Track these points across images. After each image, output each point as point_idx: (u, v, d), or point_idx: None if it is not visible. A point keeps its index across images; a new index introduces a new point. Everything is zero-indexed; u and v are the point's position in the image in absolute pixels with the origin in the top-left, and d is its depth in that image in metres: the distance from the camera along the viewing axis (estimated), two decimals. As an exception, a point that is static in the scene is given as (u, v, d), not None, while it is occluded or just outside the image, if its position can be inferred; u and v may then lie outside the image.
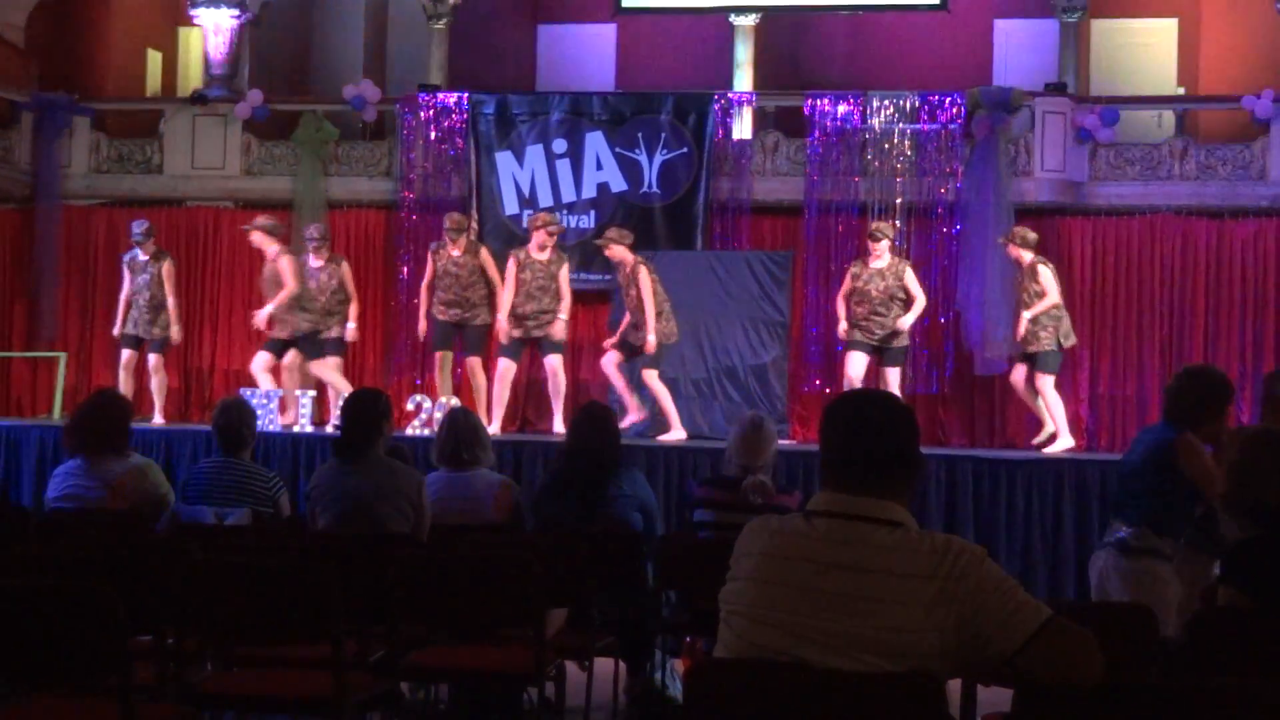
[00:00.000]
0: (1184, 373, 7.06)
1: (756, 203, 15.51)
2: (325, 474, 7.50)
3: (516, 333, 13.54)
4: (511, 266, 13.49)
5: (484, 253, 13.97)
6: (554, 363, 13.65)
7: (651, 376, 13.31)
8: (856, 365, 13.34)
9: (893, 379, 13.34)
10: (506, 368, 13.68)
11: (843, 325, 13.38)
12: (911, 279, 13.36)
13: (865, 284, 13.27)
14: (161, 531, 7.63)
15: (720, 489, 7.87)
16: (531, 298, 13.45)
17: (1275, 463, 5.51)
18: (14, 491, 12.91)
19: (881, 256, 13.31)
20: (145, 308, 14.30)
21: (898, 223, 14.86)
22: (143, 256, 14.38)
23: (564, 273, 13.58)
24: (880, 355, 13.38)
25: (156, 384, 14.56)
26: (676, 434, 13.20)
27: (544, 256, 13.51)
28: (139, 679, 5.17)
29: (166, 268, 14.38)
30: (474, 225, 15.31)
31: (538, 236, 13.55)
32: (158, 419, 14.39)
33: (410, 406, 13.65)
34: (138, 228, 14.44)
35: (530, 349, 13.96)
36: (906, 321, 13.26)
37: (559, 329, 13.58)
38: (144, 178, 16.67)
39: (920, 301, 13.36)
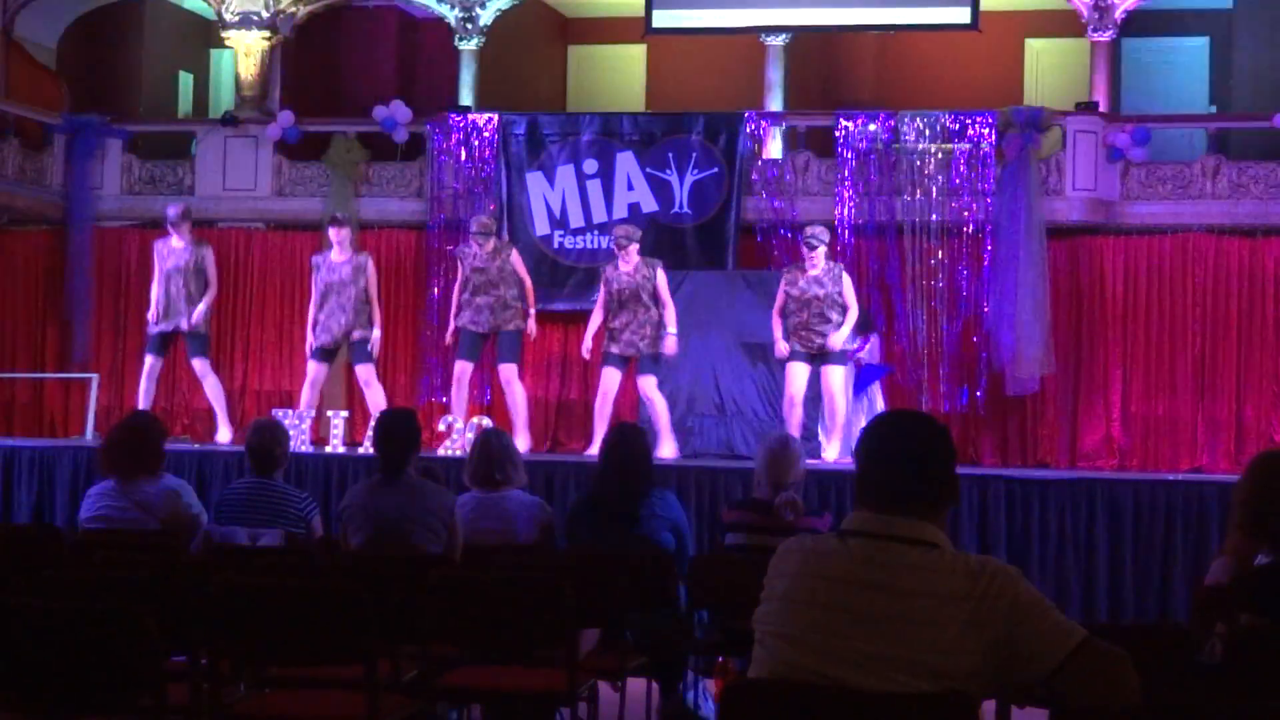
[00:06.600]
0: None
1: (788, 222, 15.47)
2: (358, 494, 7.51)
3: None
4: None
5: (515, 255, 13.61)
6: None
7: (651, 385, 13.00)
8: (798, 378, 12.75)
9: (836, 380, 12.78)
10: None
11: (781, 345, 12.81)
12: (849, 286, 12.80)
13: (804, 291, 12.69)
14: (195, 552, 7.66)
15: (751, 511, 7.87)
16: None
17: None
18: (47, 512, 12.95)
19: (818, 264, 12.79)
20: (179, 298, 13.71)
21: (933, 238, 14.84)
22: (178, 243, 13.89)
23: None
24: (818, 360, 12.73)
25: (210, 388, 14.05)
26: (668, 450, 12.75)
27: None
28: (173, 700, 5.18)
29: (208, 254, 13.88)
30: (504, 237, 15.18)
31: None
32: (224, 433, 13.97)
33: (442, 427, 13.63)
34: (173, 209, 13.98)
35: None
36: (841, 337, 12.65)
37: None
38: (176, 199, 16.70)
39: (854, 311, 12.75)
